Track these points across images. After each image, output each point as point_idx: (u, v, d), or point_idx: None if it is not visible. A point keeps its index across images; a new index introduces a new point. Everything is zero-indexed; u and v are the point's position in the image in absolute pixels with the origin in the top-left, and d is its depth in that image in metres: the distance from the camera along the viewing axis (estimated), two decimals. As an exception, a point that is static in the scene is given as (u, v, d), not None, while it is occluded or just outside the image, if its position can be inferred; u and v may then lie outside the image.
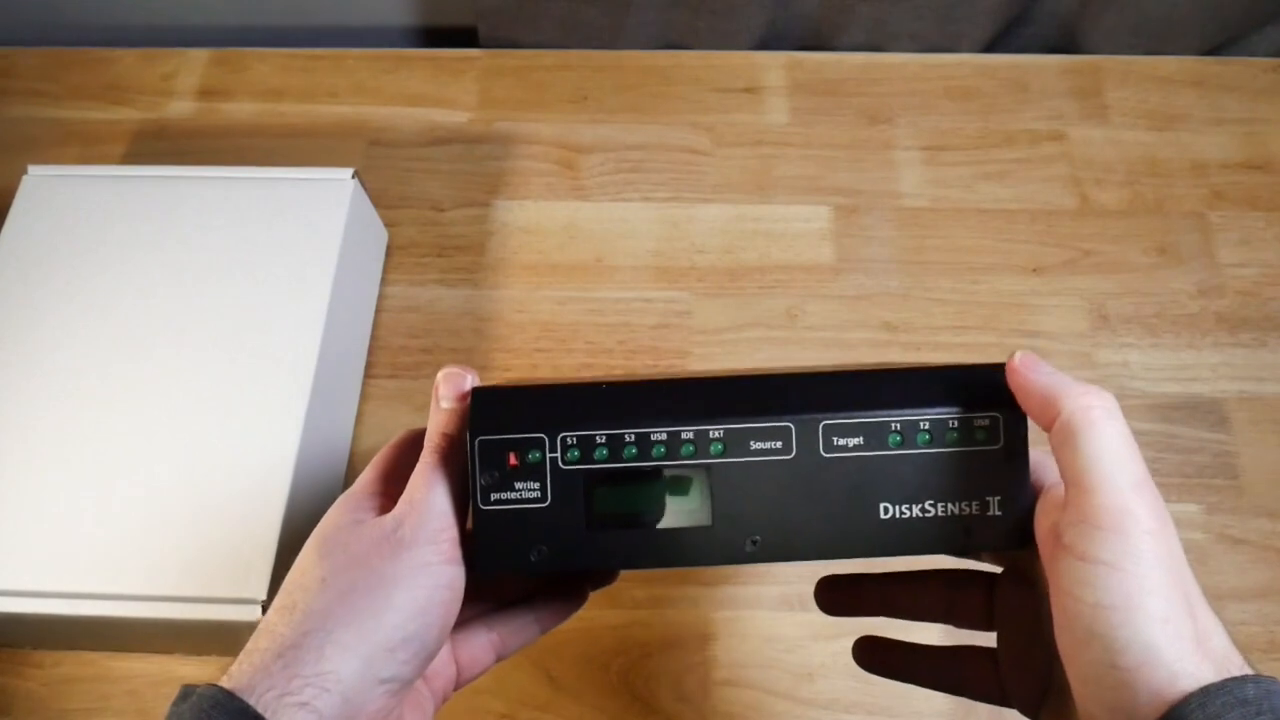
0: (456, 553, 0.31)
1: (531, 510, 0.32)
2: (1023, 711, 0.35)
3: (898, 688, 0.50)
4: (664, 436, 0.32)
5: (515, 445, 0.32)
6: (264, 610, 0.45)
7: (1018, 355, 0.31)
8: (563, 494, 0.32)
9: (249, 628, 0.45)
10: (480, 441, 0.32)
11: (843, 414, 0.32)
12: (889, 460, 0.32)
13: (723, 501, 0.32)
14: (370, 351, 0.60)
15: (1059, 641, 0.29)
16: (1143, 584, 0.27)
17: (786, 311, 0.62)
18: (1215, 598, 0.52)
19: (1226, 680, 0.26)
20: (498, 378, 0.60)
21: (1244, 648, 0.28)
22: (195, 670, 0.51)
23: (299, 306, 0.53)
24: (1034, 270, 0.63)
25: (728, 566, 0.54)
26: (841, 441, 0.32)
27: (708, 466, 0.32)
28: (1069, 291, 0.62)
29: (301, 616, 0.30)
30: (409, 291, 0.63)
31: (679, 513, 0.32)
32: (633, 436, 0.32)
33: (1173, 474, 0.56)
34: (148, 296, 0.53)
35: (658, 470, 0.32)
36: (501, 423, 0.32)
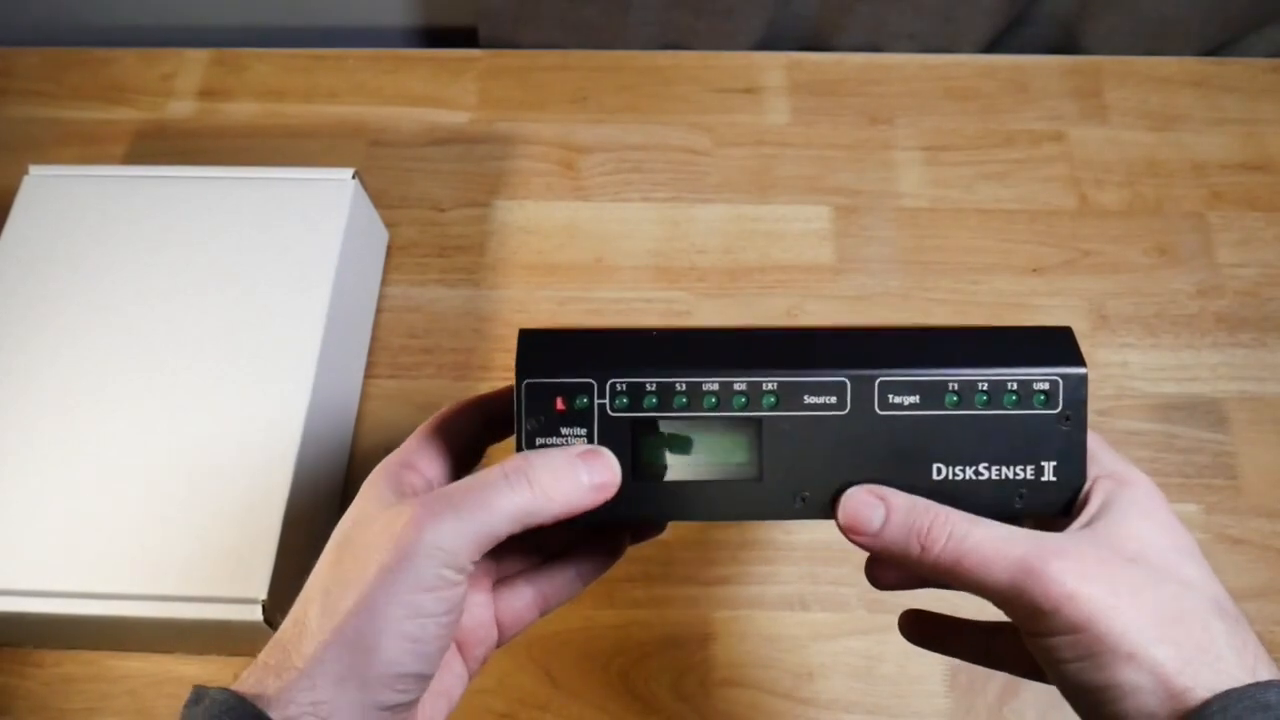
0: (458, 576, 0.29)
1: None
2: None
3: (897, 688, 0.50)
4: (716, 387, 0.31)
5: (563, 390, 0.31)
6: (264, 610, 0.45)
7: (840, 516, 0.31)
8: (610, 442, 0.31)
9: (249, 627, 0.45)
10: (527, 384, 0.31)
11: (900, 371, 0.31)
12: (944, 420, 0.31)
13: (773, 455, 0.31)
14: (370, 351, 0.60)
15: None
16: (1099, 638, 0.27)
17: (786, 311, 0.62)
18: (1215, 598, 0.52)
19: (1249, 685, 0.26)
20: (499, 379, 0.60)
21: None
22: (195, 670, 0.51)
23: (299, 306, 0.53)
24: (1034, 270, 0.63)
25: (733, 566, 0.54)
26: (897, 399, 0.31)
27: (759, 419, 0.31)
28: (1069, 291, 0.62)
29: (299, 635, 0.29)
30: (409, 291, 0.63)
31: (728, 465, 0.31)
32: (684, 385, 0.31)
33: (1173, 474, 0.56)
34: (148, 297, 0.53)
35: (708, 421, 0.31)
36: (549, 366, 0.31)
